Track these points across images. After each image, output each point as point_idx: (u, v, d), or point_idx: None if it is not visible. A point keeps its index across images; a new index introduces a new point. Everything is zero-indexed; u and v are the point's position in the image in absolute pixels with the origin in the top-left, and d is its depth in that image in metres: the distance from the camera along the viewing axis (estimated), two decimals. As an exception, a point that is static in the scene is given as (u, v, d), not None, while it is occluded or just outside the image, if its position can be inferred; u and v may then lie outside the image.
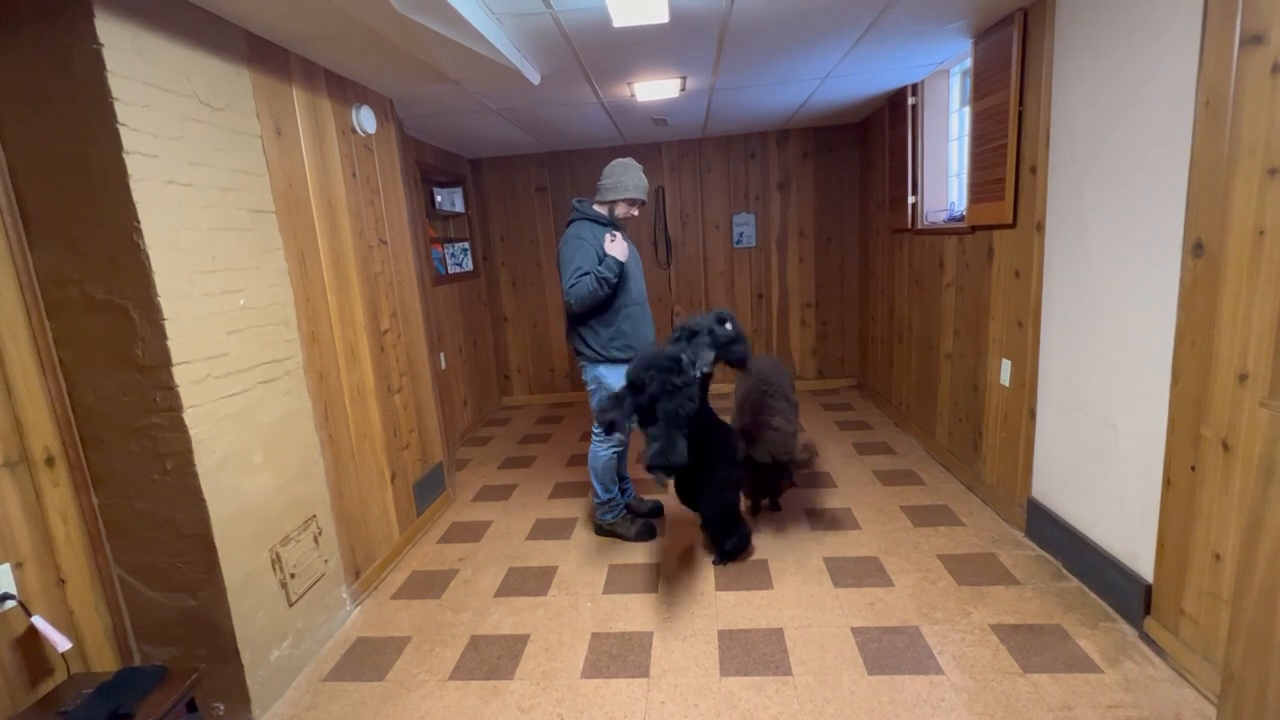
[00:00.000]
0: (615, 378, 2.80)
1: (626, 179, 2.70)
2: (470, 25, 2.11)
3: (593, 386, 2.88)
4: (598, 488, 2.93)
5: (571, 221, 2.78)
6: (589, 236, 2.67)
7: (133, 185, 1.61)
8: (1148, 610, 1.99)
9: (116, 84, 1.58)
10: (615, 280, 2.62)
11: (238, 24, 2.02)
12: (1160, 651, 1.92)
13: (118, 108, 1.57)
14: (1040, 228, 2.47)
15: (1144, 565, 2.01)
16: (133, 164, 1.61)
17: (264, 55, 2.16)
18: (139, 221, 1.62)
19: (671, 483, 2.46)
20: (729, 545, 2.63)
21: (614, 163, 2.75)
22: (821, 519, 2.99)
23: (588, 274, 2.58)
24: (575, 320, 2.76)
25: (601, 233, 2.70)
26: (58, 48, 1.55)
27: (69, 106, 1.58)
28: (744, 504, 2.92)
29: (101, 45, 1.54)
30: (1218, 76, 1.63)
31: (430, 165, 4.42)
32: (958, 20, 2.66)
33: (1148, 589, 1.98)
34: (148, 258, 1.64)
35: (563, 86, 3.23)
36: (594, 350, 2.77)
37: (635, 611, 2.37)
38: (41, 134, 1.60)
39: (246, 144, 2.05)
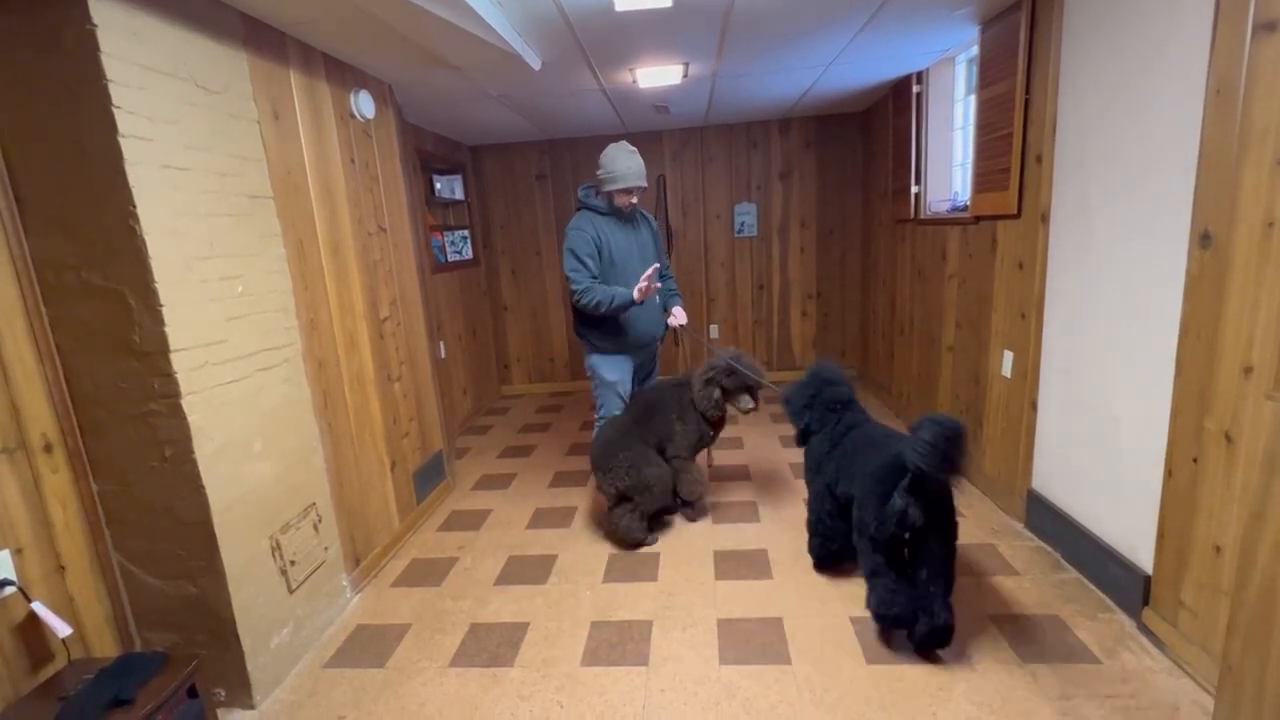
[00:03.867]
0: (606, 368, 2.83)
1: (617, 167, 2.65)
2: (470, 8, 2.08)
3: (589, 374, 2.91)
4: None
5: (578, 210, 2.80)
6: (587, 227, 2.69)
7: (128, 169, 1.59)
8: (1146, 602, 2.00)
9: (111, 66, 1.55)
10: (607, 309, 2.65)
11: (234, 6, 1.99)
12: (1158, 643, 1.93)
13: (112, 90, 1.55)
14: (1045, 218, 2.45)
15: (1143, 557, 2.01)
16: (128, 148, 1.59)
17: (261, 38, 2.13)
18: (135, 206, 1.60)
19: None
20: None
21: (609, 150, 2.70)
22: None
23: (597, 289, 2.63)
24: (573, 307, 2.80)
25: (601, 223, 2.70)
26: (50, 29, 1.52)
27: (63, 89, 1.55)
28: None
29: (95, 26, 1.52)
30: (1229, 64, 1.60)
31: (429, 152, 4.38)
32: (965, 6, 2.62)
33: (1147, 580, 1.99)
34: (144, 243, 1.63)
35: (564, 72, 3.19)
36: (589, 340, 2.80)
37: (635, 600, 2.38)
38: (35, 117, 1.58)
39: (244, 128, 2.02)
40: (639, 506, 2.68)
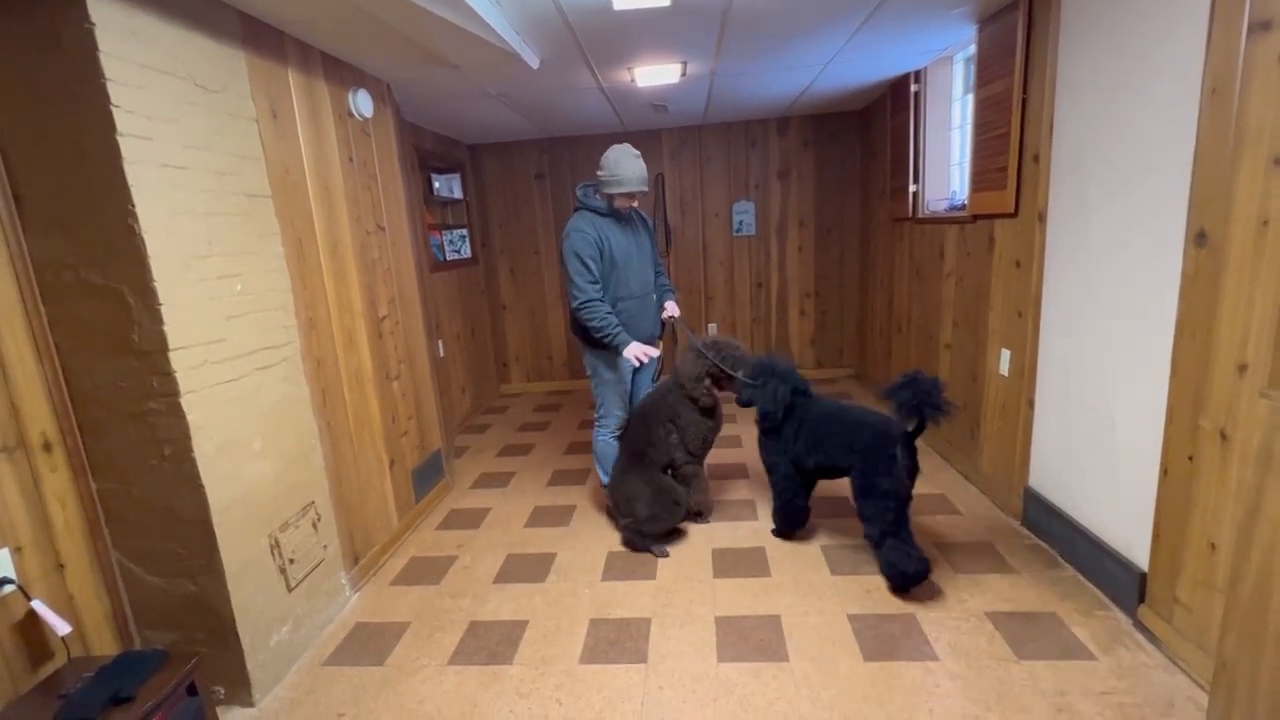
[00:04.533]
0: (607, 366, 2.83)
1: (622, 171, 2.62)
2: (469, 8, 2.08)
3: (590, 372, 2.90)
4: (601, 473, 2.96)
5: (576, 210, 2.78)
6: (589, 228, 2.65)
7: (127, 168, 1.59)
8: (1142, 598, 2.01)
9: (110, 65, 1.55)
10: (596, 335, 2.67)
11: (232, 5, 1.99)
12: (1154, 639, 1.94)
13: (111, 89, 1.55)
14: (1042, 217, 2.46)
15: (1139, 554, 2.02)
16: (127, 147, 1.59)
17: (259, 37, 2.13)
18: (134, 205, 1.60)
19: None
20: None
21: (612, 152, 2.66)
22: (819, 507, 2.99)
23: (600, 310, 2.63)
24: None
25: (601, 224, 2.68)
26: (49, 28, 1.52)
27: (61, 88, 1.55)
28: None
29: (94, 25, 1.52)
30: (1224, 64, 1.61)
31: (428, 151, 4.38)
32: (962, 5, 2.63)
33: (1142, 577, 2.00)
34: (143, 242, 1.63)
35: (562, 71, 3.19)
36: (588, 339, 2.80)
37: (633, 598, 2.39)
38: (34, 117, 1.58)
39: (242, 127, 2.02)
40: (642, 526, 2.67)
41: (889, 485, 2.22)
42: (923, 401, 2.12)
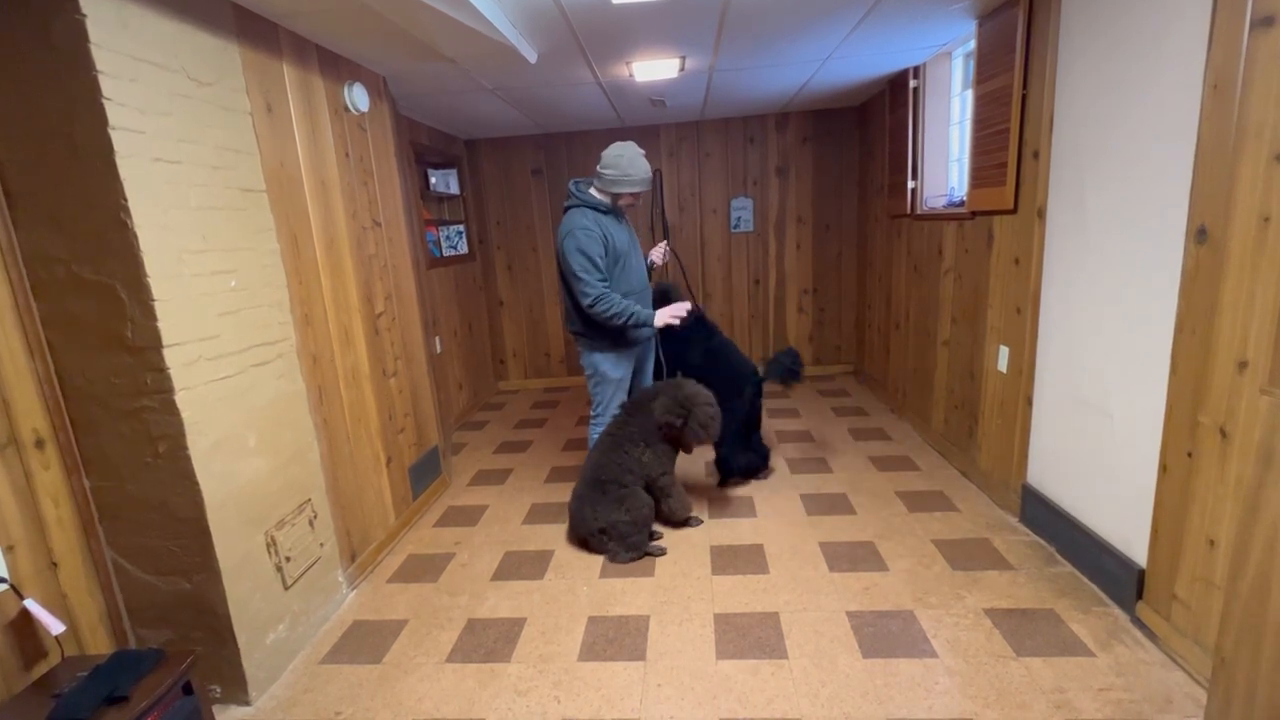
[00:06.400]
0: (610, 365, 2.80)
1: (634, 170, 2.59)
2: (466, 1, 2.06)
3: (589, 372, 2.87)
4: None
5: (568, 208, 2.71)
6: (593, 225, 2.60)
7: (119, 162, 1.57)
8: (1140, 595, 2.01)
9: (101, 57, 1.53)
10: (622, 323, 2.65)
11: (226, -4, 1.97)
12: (1152, 636, 1.94)
13: (102, 81, 1.53)
14: (1041, 214, 2.45)
15: (1137, 551, 2.03)
16: (119, 140, 1.57)
17: (253, 30, 2.10)
18: (126, 199, 1.59)
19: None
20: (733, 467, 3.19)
21: (624, 150, 2.61)
22: (817, 504, 3.00)
23: (614, 299, 2.60)
24: (577, 307, 2.73)
25: (603, 221, 2.65)
26: (38, 19, 1.50)
27: (52, 80, 1.53)
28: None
29: (84, 16, 1.50)
30: (1226, 60, 1.60)
31: (424, 146, 4.36)
32: (962, 1, 2.61)
33: (1141, 574, 2.00)
34: (136, 237, 1.61)
35: (560, 66, 3.17)
36: (589, 338, 2.77)
37: (632, 595, 2.38)
38: (24, 109, 1.55)
39: (236, 121, 2.00)
40: (615, 538, 2.62)
41: (736, 407, 3.05)
42: (787, 368, 3.08)
